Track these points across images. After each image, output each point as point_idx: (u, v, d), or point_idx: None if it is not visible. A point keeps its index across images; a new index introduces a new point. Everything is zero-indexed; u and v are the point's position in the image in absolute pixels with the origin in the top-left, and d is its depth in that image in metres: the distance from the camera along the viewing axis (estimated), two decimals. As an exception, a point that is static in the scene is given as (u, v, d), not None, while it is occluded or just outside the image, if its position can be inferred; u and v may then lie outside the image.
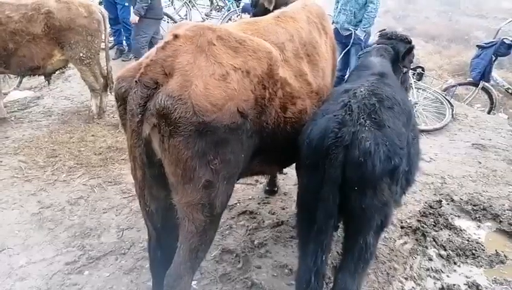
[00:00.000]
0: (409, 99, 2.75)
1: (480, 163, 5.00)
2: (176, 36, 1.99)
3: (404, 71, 3.24)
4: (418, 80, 6.51)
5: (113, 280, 3.03)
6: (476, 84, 6.48)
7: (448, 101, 6.07)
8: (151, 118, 1.91)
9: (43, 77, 5.71)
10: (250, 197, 4.17)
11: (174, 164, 1.97)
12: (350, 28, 5.66)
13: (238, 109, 2.02)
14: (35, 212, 3.73)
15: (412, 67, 6.84)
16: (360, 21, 5.63)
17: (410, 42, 3.17)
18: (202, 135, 1.92)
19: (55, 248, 3.33)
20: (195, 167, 1.97)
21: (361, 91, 2.09)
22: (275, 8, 3.28)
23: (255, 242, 3.48)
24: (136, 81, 1.89)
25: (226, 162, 2.06)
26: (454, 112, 6.03)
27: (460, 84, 7.03)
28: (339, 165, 1.89)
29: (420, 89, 6.30)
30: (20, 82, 7.01)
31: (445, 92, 6.48)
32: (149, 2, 6.39)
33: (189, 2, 9.37)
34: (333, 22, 5.73)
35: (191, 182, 2.00)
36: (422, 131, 5.75)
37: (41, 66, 5.19)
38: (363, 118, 1.93)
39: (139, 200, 2.14)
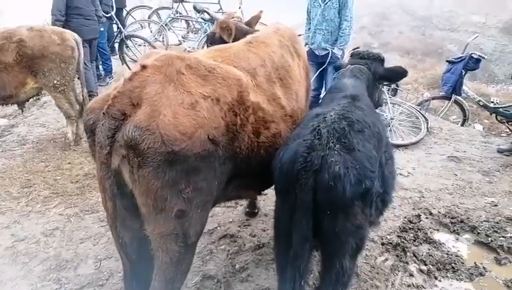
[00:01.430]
0: (382, 119, 2.79)
1: (456, 175, 5.10)
2: (143, 67, 1.99)
3: (380, 88, 3.31)
4: (393, 96, 6.66)
5: (89, 314, 2.95)
6: (448, 98, 6.65)
7: (423, 115, 6.20)
8: (119, 149, 1.89)
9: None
10: (230, 220, 4.13)
11: (145, 194, 1.95)
12: (327, 48, 5.75)
13: (209, 136, 2.02)
14: (9, 246, 3.62)
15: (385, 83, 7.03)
16: (336, 39, 5.73)
17: (383, 60, 3.25)
18: (172, 164, 1.91)
19: (29, 282, 3.22)
20: (167, 196, 1.95)
21: (331, 115, 2.12)
22: (234, 40, 3.35)
23: (236, 266, 3.44)
24: (103, 113, 1.87)
25: (198, 190, 2.04)
26: (429, 125, 6.16)
27: (433, 98, 7.20)
28: (309, 189, 1.90)
29: (395, 104, 6.43)
30: (-4, 111, 6.88)
31: (419, 106, 6.62)
32: None
33: (166, 25, 9.42)
34: (306, 44, 5.82)
35: (162, 212, 1.98)
36: (400, 146, 5.85)
37: (13, 94, 5.12)
38: (332, 142, 1.95)
39: (111, 231, 2.10)
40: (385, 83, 6.56)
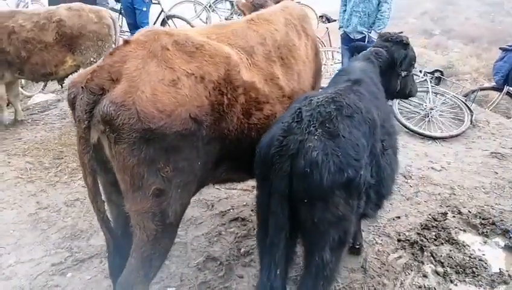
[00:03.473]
0: (387, 107, 2.56)
1: (497, 173, 4.66)
2: (126, 42, 1.96)
3: (403, 75, 3.05)
4: (436, 84, 6.20)
5: (93, 283, 3.05)
6: (500, 89, 6.07)
7: (468, 107, 5.71)
8: (97, 124, 1.88)
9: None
10: (244, 203, 4.09)
11: (122, 171, 1.94)
12: (364, 31, 5.45)
13: (191, 115, 1.96)
14: (32, 212, 3.84)
15: (430, 70, 6.57)
16: (374, 22, 5.41)
17: (406, 44, 2.98)
18: (149, 141, 1.88)
19: (44, 248, 3.39)
20: (144, 174, 1.92)
21: (318, 98, 1.97)
22: None
23: (242, 250, 3.39)
24: (82, 87, 1.87)
25: (179, 170, 2.00)
26: (473, 118, 5.67)
27: (482, 89, 6.62)
28: (284, 175, 1.78)
29: (438, 93, 5.98)
30: (45, 85, 7.28)
31: (465, 97, 6.12)
32: None
33: (209, 6, 9.42)
34: (340, 27, 5.55)
35: (140, 190, 1.96)
36: (437, 138, 5.46)
37: (53, 72, 5.37)
38: (313, 127, 1.81)
39: (92, 206, 2.11)
40: (428, 72, 6.15)
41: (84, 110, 1.87)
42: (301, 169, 1.76)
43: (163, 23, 8.39)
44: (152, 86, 1.88)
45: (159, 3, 8.35)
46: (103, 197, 2.18)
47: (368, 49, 3.13)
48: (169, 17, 8.44)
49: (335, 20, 7.70)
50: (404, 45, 3.05)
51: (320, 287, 2.01)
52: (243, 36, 2.40)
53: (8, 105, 5.87)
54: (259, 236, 2.14)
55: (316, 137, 1.78)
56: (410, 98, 5.82)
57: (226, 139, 2.19)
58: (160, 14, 8.60)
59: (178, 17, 8.59)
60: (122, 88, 1.84)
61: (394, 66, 2.97)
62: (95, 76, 1.87)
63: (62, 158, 4.81)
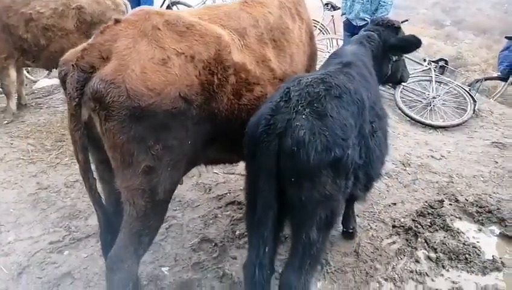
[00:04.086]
0: (378, 90, 2.55)
1: (497, 163, 4.65)
2: (117, 21, 1.97)
3: (394, 59, 3.02)
4: (441, 74, 6.15)
5: (89, 261, 3.11)
6: (504, 79, 6.00)
7: (471, 96, 5.66)
8: (88, 102, 1.91)
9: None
10: (241, 187, 4.11)
11: (112, 148, 1.97)
12: (366, 18, 5.40)
13: (180, 94, 1.98)
14: (33, 193, 3.89)
15: (434, 59, 6.50)
16: (376, 9, 5.35)
17: (398, 28, 2.96)
18: (139, 119, 1.90)
19: (43, 227, 3.45)
20: (133, 151, 1.95)
21: (307, 79, 1.97)
22: None
23: (237, 233, 3.44)
24: (73, 65, 1.89)
25: (168, 148, 2.03)
26: (476, 107, 5.62)
27: (487, 79, 6.55)
28: (272, 154, 1.80)
29: (441, 82, 5.93)
30: (51, 71, 7.32)
31: (469, 87, 6.06)
32: None
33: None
34: (343, 14, 5.50)
35: (130, 167, 1.99)
36: (438, 127, 5.43)
37: None
38: (301, 106, 1.82)
39: (84, 184, 2.15)
40: (432, 61, 6.08)
41: (75, 87, 1.89)
42: (288, 148, 1.78)
43: (168, 9, 8.35)
44: (142, 64, 1.89)
45: (163, -11, 8.34)
46: (95, 176, 2.22)
47: (360, 33, 3.13)
48: (173, 3, 8.40)
49: (340, 8, 7.63)
50: (395, 28, 3.04)
51: (307, 266, 2.03)
52: (235, 18, 2.41)
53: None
54: (248, 215, 2.16)
55: (303, 116, 1.79)
56: (413, 88, 5.83)
57: (216, 120, 2.21)
58: (164, 0, 8.58)
59: (183, 3, 8.55)
60: (112, 66, 1.86)
61: (384, 50, 2.95)
62: (86, 54, 1.90)
63: (64, 141, 4.86)
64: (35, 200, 3.78)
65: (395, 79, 3.25)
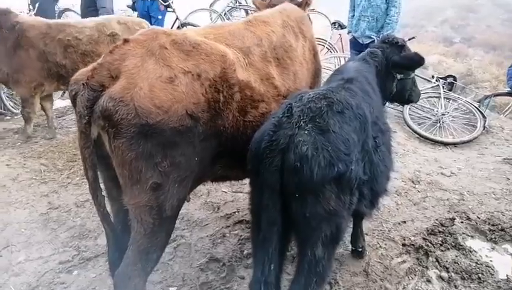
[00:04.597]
0: (380, 105, 2.54)
1: (509, 179, 4.57)
2: (125, 41, 2.04)
3: (398, 77, 3.00)
4: (449, 90, 6.14)
5: (98, 281, 3.11)
6: (514, 95, 5.98)
7: (481, 113, 5.63)
8: (97, 120, 1.95)
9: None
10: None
11: (121, 165, 2.00)
12: (372, 35, 5.46)
13: (187, 111, 2.02)
14: (44, 212, 3.94)
15: (442, 76, 6.51)
16: (382, 27, 5.41)
17: (402, 46, 2.97)
18: (148, 136, 1.94)
19: (53, 247, 3.47)
20: (141, 168, 1.98)
21: (309, 94, 2.00)
22: None
23: (244, 252, 3.41)
24: (83, 84, 1.95)
25: (176, 165, 2.05)
26: (486, 124, 5.58)
27: (496, 95, 6.52)
28: (275, 169, 1.81)
29: (450, 99, 5.92)
30: (64, 92, 7.48)
31: (479, 103, 6.03)
32: None
33: (225, 14, 9.57)
34: (349, 32, 5.56)
35: (138, 184, 2.01)
36: (448, 144, 5.39)
37: None
38: (303, 121, 1.83)
39: (93, 201, 2.18)
40: (440, 77, 6.08)
41: (85, 106, 1.94)
42: (291, 163, 1.78)
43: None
44: (150, 82, 1.94)
45: (174, 12, 8.54)
46: (104, 193, 2.25)
47: (365, 51, 3.14)
48: (184, 24, 8.61)
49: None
50: (399, 46, 3.01)
51: (313, 284, 2.01)
52: (239, 37, 2.47)
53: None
54: (253, 232, 2.16)
55: (306, 132, 1.80)
56: (421, 104, 5.82)
57: (222, 136, 2.24)
58: (175, 22, 8.79)
59: (192, 25, 8.74)
60: (121, 84, 1.91)
61: (387, 67, 2.94)
62: (96, 73, 1.95)
63: (75, 161, 4.93)
64: (46, 220, 3.82)
65: (403, 98, 3.20)
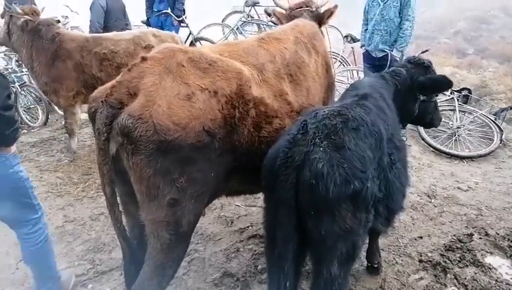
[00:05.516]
0: (396, 122, 2.49)
1: (528, 194, 4.47)
2: (143, 59, 2.08)
3: (421, 99, 2.92)
4: (464, 103, 6.08)
5: (112, 295, 3.12)
6: (532, 108, 5.89)
7: (497, 126, 5.55)
8: (116, 137, 1.98)
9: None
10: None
11: (139, 181, 2.02)
12: (386, 49, 5.45)
13: (204, 128, 2.04)
14: (60, 225, 3.99)
15: (457, 89, 6.45)
16: (396, 40, 5.40)
17: (427, 67, 2.91)
18: (165, 153, 1.96)
19: (68, 260, 3.51)
20: (159, 184, 2.00)
21: (324, 111, 2.00)
22: None
23: (259, 267, 3.39)
24: (102, 102, 1.99)
25: (192, 181, 2.07)
26: (503, 137, 5.49)
27: (512, 108, 6.43)
28: (290, 186, 1.81)
29: (465, 112, 5.86)
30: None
31: (495, 116, 5.95)
32: None
33: (237, 28, 9.67)
34: (362, 46, 5.57)
35: (155, 200, 2.03)
36: (464, 157, 5.31)
37: None
38: (319, 138, 1.83)
39: (110, 216, 2.20)
40: (455, 90, 6.03)
41: (104, 123, 1.97)
42: (307, 181, 1.78)
43: (191, 45, 8.66)
44: (168, 100, 1.97)
45: (187, 26, 8.66)
46: (120, 208, 2.28)
47: (389, 69, 3.09)
48: (197, 39, 8.72)
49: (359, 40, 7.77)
50: (424, 67, 2.95)
51: (330, 302, 1.98)
52: (253, 54, 2.50)
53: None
54: (267, 249, 2.14)
55: (321, 149, 1.80)
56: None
57: (237, 152, 2.26)
58: (188, 36, 8.91)
59: (205, 40, 8.85)
60: (140, 102, 1.94)
61: (412, 88, 2.88)
62: (115, 91, 1.99)
63: (90, 174, 5.00)
64: (61, 233, 3.87)
65: (424, 121, 3.14)
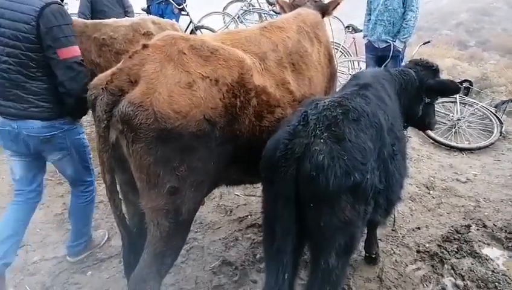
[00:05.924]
0: (396, 112, 2.49)
1: (526, 186, 4.49)
2: (144, 46, 2.06)
3: (426, 101, 2.94)
4: (465, 95, 6.07)
5: (111, 282, 3.14)
6: (533, 100, 5.88)
7: (497, 118, 5.55)
8: (116, 124, 1.97)
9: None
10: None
11: (139, 169, 2.01)
12: (388, 40, 5.41)
13: (205, 116, 2.02)
14: (59, 213, 4.00)
15: (458, 81, 6.42)
16: (399, 31, 5.36)
17: (436, 71, 2.93)
18: (166, 141, 1.95)
19: (67, 247, 3.52)
20: (159, 172, 1.99)
21: (324, 102, 1.98)
22: None
23: (257, 256, 3.41)
24: (102, 89, 1.97)
25: (193, 169, 2.06)
26: (503, 129, 5.49)
27: (512, 100, 6.42)
28: (290, 178, 1.79)
29: (466, 104, 5.85)
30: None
31: (495, 108, 5.94)
32: None
33: (238, 17, 9.59)
34: (365, 36, 5.53)
35: (155, 188, 2.02)
36: (464, 149, 5.32)
37: None
38: (319, 130, 1.81)
39: (110, 204, 2.20)
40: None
41: (104, 110, 1.96)
42: (307, 172, 1.77)
43: (192, 33, 8.60)
44: (169, 88, 1.95)
45: (188, 15, 8.59)
46: (120, 196, 2.27)
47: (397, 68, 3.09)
48: (197, 28, 8.65)
49: (361, 30, 7.71)
50: (433, 70, 2.97)
51: (327, 293, 1.99)
52: (256, 42, 2.47)
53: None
54: (266, 241, 2.13)
55: (322, 140, 1.79)
56: (437, 109, 5.74)
57: (238, 141, 2.25)
58: (189, 25, 8.84)
59: (206, 28, 8.79)
60: (141, 90, 1.93)
61: (419, 90, 2.88)
62: (115, 78, 1.97)
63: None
64: (61, 221, 3.88)
65: (423, 123, 3.16)
